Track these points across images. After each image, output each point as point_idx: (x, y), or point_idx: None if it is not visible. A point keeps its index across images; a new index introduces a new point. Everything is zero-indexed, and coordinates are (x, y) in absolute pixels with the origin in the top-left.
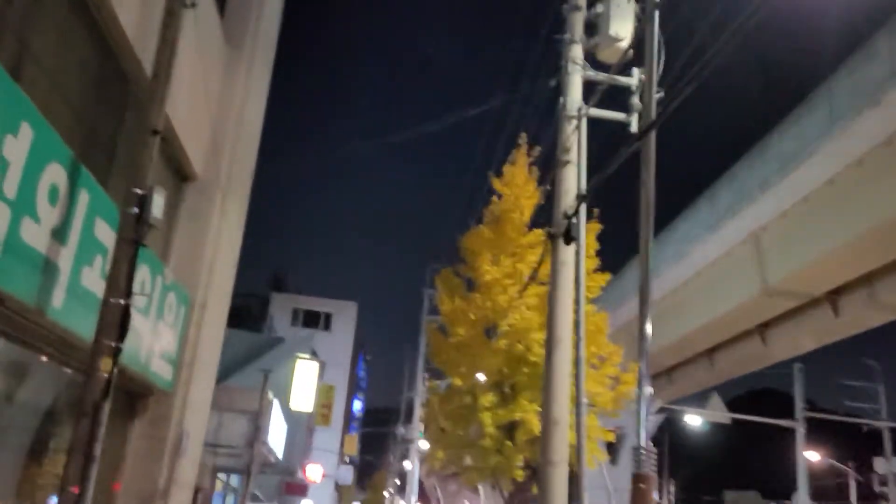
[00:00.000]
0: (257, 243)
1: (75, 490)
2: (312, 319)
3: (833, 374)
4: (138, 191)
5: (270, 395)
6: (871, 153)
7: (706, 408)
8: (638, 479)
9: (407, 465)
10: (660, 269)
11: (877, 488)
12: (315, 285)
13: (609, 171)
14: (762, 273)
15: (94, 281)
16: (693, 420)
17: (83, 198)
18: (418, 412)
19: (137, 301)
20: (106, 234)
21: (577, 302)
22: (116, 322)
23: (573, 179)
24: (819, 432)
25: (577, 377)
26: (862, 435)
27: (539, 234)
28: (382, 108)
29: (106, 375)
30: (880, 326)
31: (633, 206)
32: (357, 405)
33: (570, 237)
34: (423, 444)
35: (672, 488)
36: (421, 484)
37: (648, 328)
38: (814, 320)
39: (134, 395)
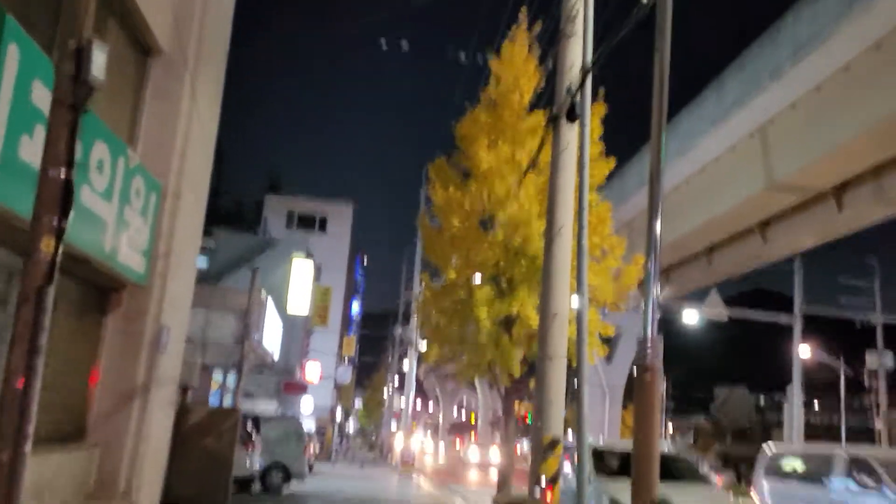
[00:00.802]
0: (253, 144)
1: (19, 384)
2: (308, 222)
3: (826, 276)
4: (73, 44)
5: (263, 293)
6: (889, 36)
7: (705, 304)
8: (643, 369)
9: (406, 364)
10: (646, 178)
11: (866, 382)
12: (312, 187)
13: (619, 36)
14: (768, 168)
15: (35, 153)
16: (690, 317)
17: (12, 55)
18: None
19: (97, 182)
20: (46, 99)
21: (580, 187)
22: (57, 197)
23: (578, 53)
24: (811, 330)
25: (578, 268)
26: (854, 332)
27: (540, 117)
28: None
29: (49, 257)
30: (878, 227)
31: (642, 91)
32: (355, 308)
33: (573, 115)
34: (421, 345)
35: (665, 385)
36: (420, 383)
37: (660, 199)
38: (817, 216)
39: (104, 288)
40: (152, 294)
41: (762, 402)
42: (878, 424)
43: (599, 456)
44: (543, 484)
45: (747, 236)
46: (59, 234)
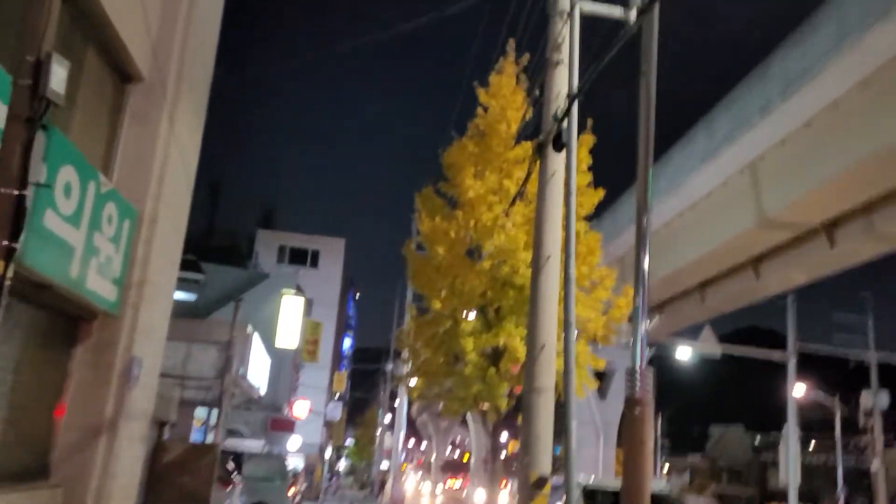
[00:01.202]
0: (250, 181)
1: None
2: (299, 256)
3: (819, 314)
4: (30, 58)
5: (249, 328)
6: (879, 72)
7: (698, 340)
8: (632, 403)
9: (397, 402)
10: (652, 203)
11: (861, 422)
12: (306, 225)
13: (605, 59)
14: (759, 204)
15: None
16: (684, 353)
17: None
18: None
19: (63, 206)
20: (2, 115)
21: (566, 215)
22: (9, 216)
23: (564, 81)
24: (805, 368)
25: (565, 297)
26: (848, 371)
27: (527, 147)
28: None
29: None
30: (871, 263)
31: (635, 128)
32: (347, 343)
33: (559, 143)
34: (412, 381)
35: (660, 422)
36: (413, 421)
37: (647, 234)
38: (809, 252)
39: (73, 317)
40: (124, 324)
41: (758, 441)
42: (875, 465)
43: (590, 495)
44: None
45: (740, 272)
46: (10, 254)
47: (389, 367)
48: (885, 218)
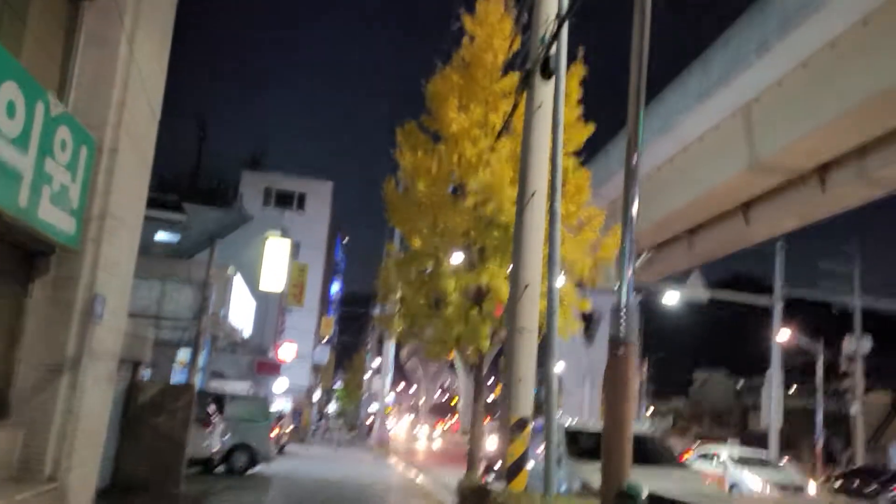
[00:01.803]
0: (235, 125)
1: None
2: (286, 199)
3: (806, 262)
4: None
5: (231, 269)
6: (880, 10)
7: (686, 284)
8: (616, 343)
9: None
10: (644, 144)
11: (843, 367)
12: (294, 167)
13: None
14: (751, 147)
15: None
16: (671, 298)
17: None
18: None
19: (6, 127)
20: None
21: (553, 148)
22: None
23: (554, 4)
24: (790, 315)
25: (550, 234)
26: (833, 317)
27: (514, 79)
28: None
29: None
30: (860, 210)
31: (626, 68)
32: (335, 288)
33: (548, 70)
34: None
35: (645, 367)
36: (402, 365)
37: (636, 159)
38: (800, 197)
39: (28, 251)
40: (85, 259)
41: (740, 385)
42: (854, 409)
43: (573, 437)
44: (511, 466)
45: (730, 218)
46: None
47: (376, 311)
48: (879, 161)
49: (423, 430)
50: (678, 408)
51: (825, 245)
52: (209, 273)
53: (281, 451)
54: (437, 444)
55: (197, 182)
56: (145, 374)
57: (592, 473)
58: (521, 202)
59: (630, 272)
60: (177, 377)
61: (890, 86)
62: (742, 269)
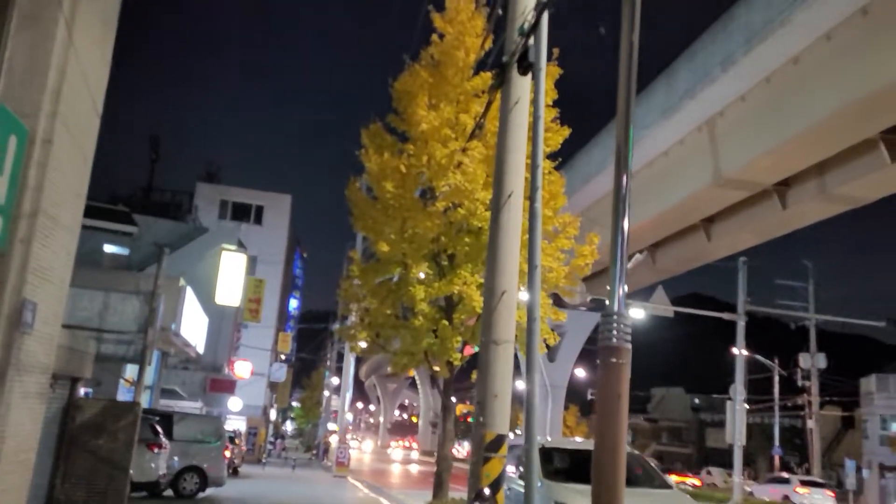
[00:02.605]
0: (189, 142)
1: None
2: (243, 212)
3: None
4: None
5: (182, 281)
6: (843, 25)
7: (651, 300)
8: (609, 351)
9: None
10: (607, 161)
11: (800, 382)
12: (252, 183)
13: None
14: (715, 162)
15: None
16: (636, 314)
17: None
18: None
19: None
20: None
21: (533, 142)
22: None
23: None
24: (747, 332)
25: (531, 235)
26: (790, 333)
27: (486, 78)
28: None
29: None
30: (815, 226)
31: (595, 78)
32: (293, 304)
33: (525, 63)
34: (362, 344)
35: None
36: (361, 383)
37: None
38: (761, 213)
39: None
40: (12, 261)
41: (697, 402)
42: (811, 424)
43: (547, 455)
44: (485, 488)
45: (692, 233)
46: None
47: (336, 325)
48: (838, 178)
49: (385, 449)
50: (637, 424)
51: (781, 262)
52: (157, 283)
53: (235, 472)
54: (398, 465)
55: (150, 196)
56: (88, 392)
57: (571, 496)
58: (497, 204)
59: (622, 273)
60: (123, 396)
61: (851, 102)
62: (699, 288)
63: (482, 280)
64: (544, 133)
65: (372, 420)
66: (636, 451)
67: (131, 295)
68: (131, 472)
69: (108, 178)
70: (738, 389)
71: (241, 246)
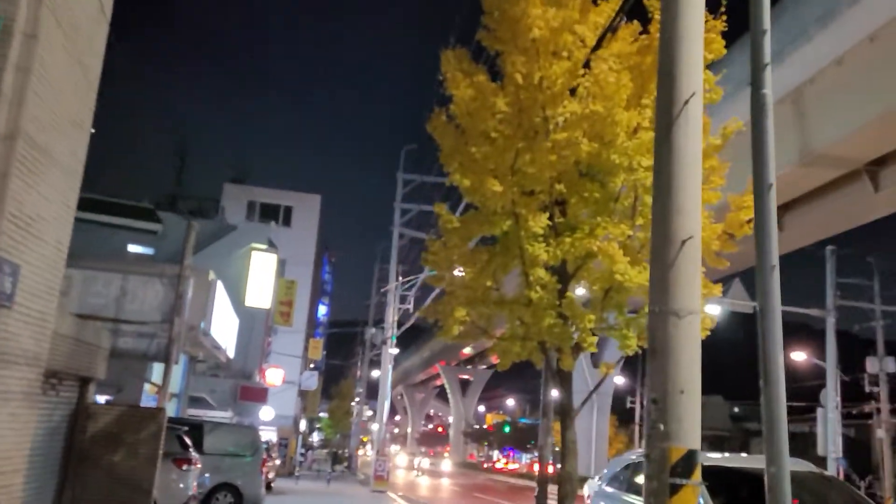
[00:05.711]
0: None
1: None
2: (271, 213)
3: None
4: None
5: (212, 274)
6: None
7: (729, 295)
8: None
9: (375, 373)
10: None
11: (867, 388)
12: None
13: None
14: (802, 138)
15: None
16: (713, 310)
17: None
18: (392, 309)
19: None
20: None
21: None
22: None
23: None
24: (797, 335)
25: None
26: (851, 338)
27: None
28: None
29: None
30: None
31: None
32: (322, 310)
33: None
34: (394, 350)
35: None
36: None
37: None
38: (849, 196)
39: None
40: None
41: (736, 410)
42: (880, 433)
43: (718, 479)
44: None
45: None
46: None
47: (370, 333)
48: None
49: (420, 460)
50: None
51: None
52: (184, 264)
53: (268, 487)
54: (428, 477)
55: (175, 204)
56: (108, 399)
57: None
58: (668, 116)
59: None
60: (149, 405)
61: None
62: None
63: (629, 232)
64: (703, 41)
65: (397, 430)
66: (834, 476)
67: (154, 278)
68: (155, 493)
69: (133, 188)
70: (830, 395)
71: (272, 245)
